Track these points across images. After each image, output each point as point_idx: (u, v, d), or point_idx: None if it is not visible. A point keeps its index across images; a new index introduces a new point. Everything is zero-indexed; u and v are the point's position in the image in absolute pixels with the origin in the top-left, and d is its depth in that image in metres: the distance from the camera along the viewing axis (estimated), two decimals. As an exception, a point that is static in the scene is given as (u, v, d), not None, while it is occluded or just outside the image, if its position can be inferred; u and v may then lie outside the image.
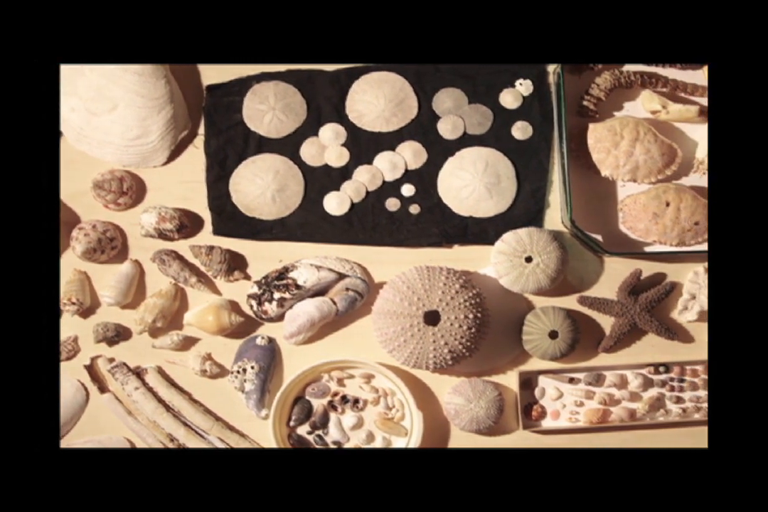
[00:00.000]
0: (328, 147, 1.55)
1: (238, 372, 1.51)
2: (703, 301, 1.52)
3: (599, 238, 1.53)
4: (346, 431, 1.52)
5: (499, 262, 1.49)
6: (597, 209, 1.55)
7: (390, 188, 1.55)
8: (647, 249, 1.54)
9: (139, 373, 1.52)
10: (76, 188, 1.53)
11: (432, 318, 1.43)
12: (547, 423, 1.53)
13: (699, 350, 1.55)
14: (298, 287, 1.50)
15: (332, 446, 1.52)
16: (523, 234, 1.49)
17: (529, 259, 1.48)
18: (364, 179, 1.54)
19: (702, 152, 1.53)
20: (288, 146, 1.55)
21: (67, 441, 1.51)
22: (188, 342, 1.53)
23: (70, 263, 1.52)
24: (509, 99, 1.56)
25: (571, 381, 1.54)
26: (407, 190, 1.55)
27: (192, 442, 1.50)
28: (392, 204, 1.55)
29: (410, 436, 1.51)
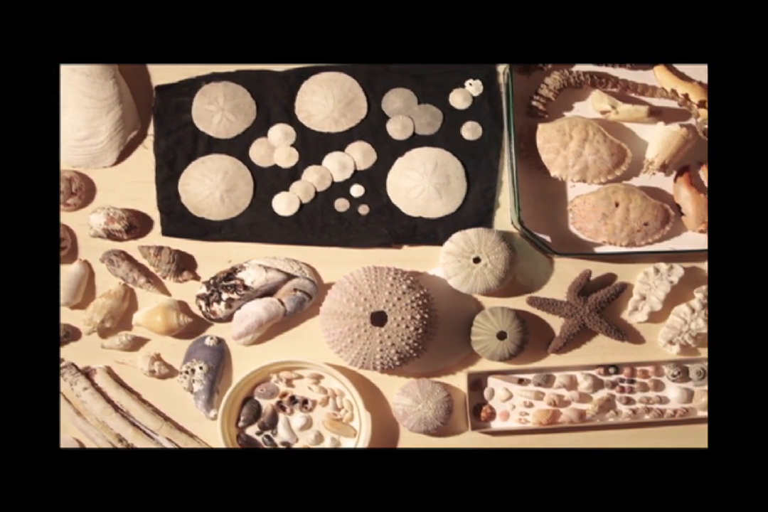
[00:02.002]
0: (277, 147, 1.55)
1: (187, 372, 1.51)
2: (653, 302, 1.52)
3: (548, 238, 1.53)
4: (295, 432, 1.52)
5: (447, 263, 1.49)
6: (547, 209, 1.54)
7: (339, 189, 1.55)
8: (597, 249, 1.54)
9: (88, 373, 1.52)
10: (27, 188, 1.53)
11: (379, 318, 1.43)
12: (496, 424, 1.53)
13: (649, 351, 1.54)
14: (246, 288, 1.49)
15: (281, 446, 1.52)
16: (471, 234, 1.49)
17: (477, 260, 1.48)
18: (313, 180, 1.54)
19: (652, 153, 1.52)
20: (237, 147, 1.55)
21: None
22: (137, 343, 1.53)
23: (20, 263, 1.53)
24: (459, 99, 1.56)
25: (521, 382, 1.53)
26: (356, 190, 1.55)
27: (140, 442, 1.50)
28: (341, 204, 1.54)
29: (359, 437, 1.50)
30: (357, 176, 1.55)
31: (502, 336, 1.48)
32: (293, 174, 1.55)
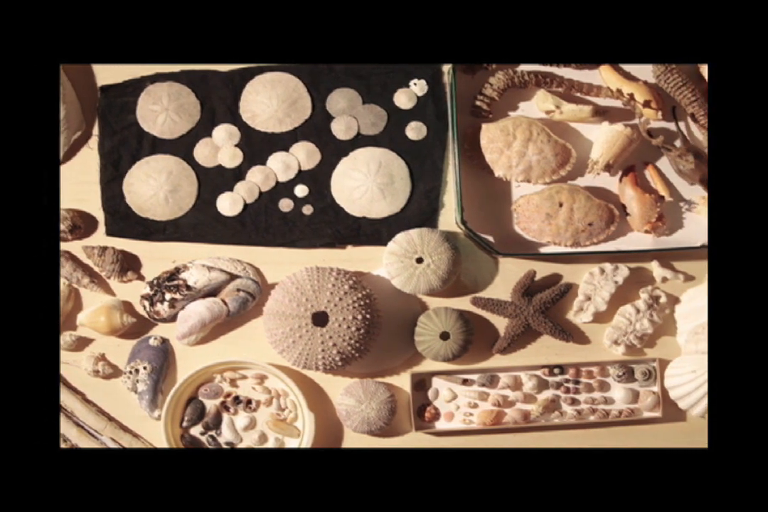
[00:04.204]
0: (221, 147, 1.55)
1: (131, 372, 1.51)
2: (598, 302, 1.51)
3: (492, 239, 1.52)
4: (239, 432, 1.52)
5: (390, 263, 1.49)
6: (491, 210, 1.54)
7: (283, 189, 1.54)
8: (541, 250, 1.53)
9: (32, 374, 1.53)
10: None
11: (320, 319, 1.43)
12: (440, 424, 1.53)
13: (594, 351, 1.54)
14: (188, 288, 1.49)
15: (225, 447, 1.52)
16: (414, 235, 1.48)
17: (420, 260, 1.47)
18: (257, 180, 1.54)
19: (596, 152, 1.51)
20: (181, 147, 1.55)
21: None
22: (82, 343, 1.53)
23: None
24: (403, 99, 1.55)
25: (465, 382, 1.53)
26: (300, 190, 1.54)
27: (85, 443, 1.50)
28: (285, 204, 1.54)
29: (302, 437, 1.50)
30: (301, 176, 1.55)
31: (445, 336, 1.48)
32: (237, 174, 1.54)
